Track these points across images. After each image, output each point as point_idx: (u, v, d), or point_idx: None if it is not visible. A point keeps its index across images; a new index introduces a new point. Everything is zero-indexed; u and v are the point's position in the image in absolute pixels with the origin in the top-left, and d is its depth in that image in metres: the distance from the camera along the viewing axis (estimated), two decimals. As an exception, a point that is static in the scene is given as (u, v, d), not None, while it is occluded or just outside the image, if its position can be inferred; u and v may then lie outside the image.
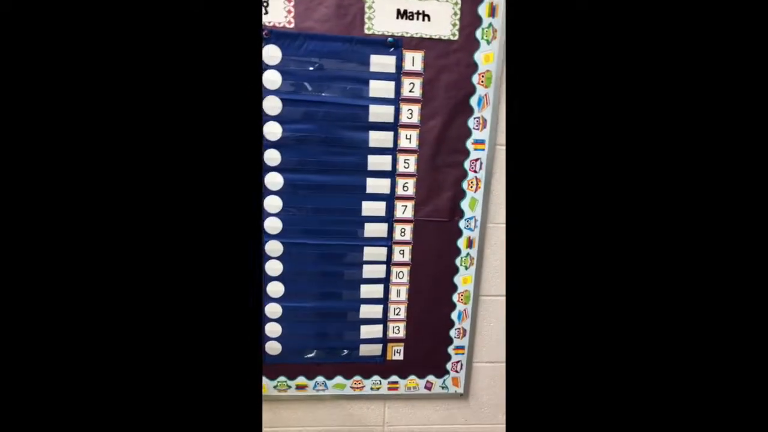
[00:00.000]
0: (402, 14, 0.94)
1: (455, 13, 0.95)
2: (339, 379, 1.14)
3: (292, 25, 0.92)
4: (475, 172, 1.04)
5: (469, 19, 0.96)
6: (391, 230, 1.05)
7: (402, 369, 1.15)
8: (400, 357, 1.14)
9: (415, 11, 0.94)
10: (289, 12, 0.92)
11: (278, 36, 0.92)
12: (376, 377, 1.15)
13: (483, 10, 0.96)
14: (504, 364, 1.19)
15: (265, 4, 0.91)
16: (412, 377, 1.16)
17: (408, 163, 1.02)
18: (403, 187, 1.03)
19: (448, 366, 1.16)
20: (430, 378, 1.17)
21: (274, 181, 1.00)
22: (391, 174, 1.02)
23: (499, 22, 0.97)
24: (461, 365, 1.16)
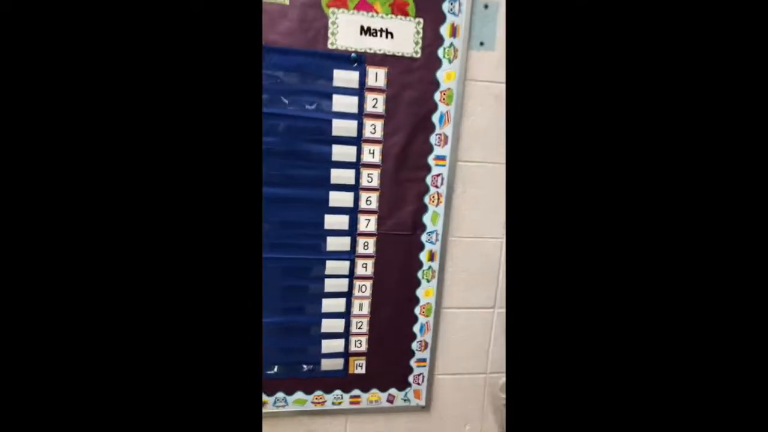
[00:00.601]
0: (365, 31, 0.95)
1: (418, 32, 0.98)
2: (300, 395, 1.12)
3: (255, 38, 0.91)
4: (436, 187, 1.06)
5: (431, 38, 0.98)
6: (354, 244, 1.05)
7: (364, 383, 1.14)
8: (362, 371, 1.13)
9: (378, 28, 0.96)
10: (251, 24, 0.91)
11: (240, 48, 0.91)
12: (337, 392, 1.14)
13: (445, 30, 0.99)
14: (466, 376, 1.20)
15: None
16: (374, 391, 1.16)
17: (371, 178, 1.03)
18: (366, 201, 1.04)
19: (410, 379, 1.17)
20: (392, 391, 1.17)
21: (234, 193, 0.98)
22: (355, 188, 1.02)
23: (460, 42, 1.00)
24: (423, 378, 1.17)
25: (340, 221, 1.03)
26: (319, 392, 1.13)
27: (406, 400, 1.18)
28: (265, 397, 1.10)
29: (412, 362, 1.16)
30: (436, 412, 1.21)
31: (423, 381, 1.17)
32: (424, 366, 1.16)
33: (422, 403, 1.19)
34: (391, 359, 1.14)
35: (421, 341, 1.15)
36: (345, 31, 0.95)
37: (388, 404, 1.17)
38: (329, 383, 1.13)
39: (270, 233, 1.01)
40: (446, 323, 1.16)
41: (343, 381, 1.13)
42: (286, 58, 0.93)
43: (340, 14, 0.94)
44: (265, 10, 0.91)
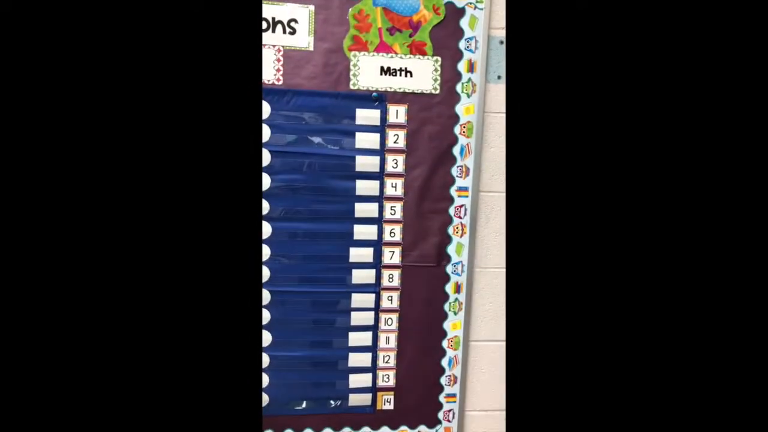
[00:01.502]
0: (385, 71, 1.00)
1: (436, 69, 1.01)
2: (328, 431, 1.11)
3: (281, 82, 0.97)
4: (459, 218, 1.07)
5: (450, 75, 1.02)
6: (379, 276, 1.06)
7: (392, 419, 1.12)
8: (390, 406, 1.11)
9: (398, 68, 1.00)
10: (278, 70, 0.97)
11: (267, 92, 0.97)
12: (366, 428, 1.12)
13: (462, 66, 1.02)
14: (498, 413, 1.16)
15: (255, 63, 0.96)
16: (404, 428, 1.13)
17: (394, 210, 1.04)
18: (390, 233, 1.05)
19: (440, 415, 1.13)
20: (422, 428, 1.13)
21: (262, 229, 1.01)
22: (378, 221, 1.04)
23: (478, 77, 1.02)
24: (453, 414, 1.14)
25: (364, 254, 1.05)
26: (347, 429, 1.11)
27: (436, 438, 1.14)
28: (293, 434, 1.10)
29: (442, 398, 1.13)
30: (469, 451, 1.17)
31: (454, 418, 1.14)
32: (454, 402, 1.13)
33: (453, 441, 1.15)
34: (419, 394, 1.12)
35: (449, 375, 1.12)
36: (366, 72, 0.99)
37: (417, 442, 1.14)
38: (357, 419, 1.11)
39: (297, 267, 1.03)
40: (475, 357, 1.13)
41: (371, 417, 1.11)
42: (310, 100, 0.98)
43: (361, 56, 0.99)
44: (290, 56, 0.97)
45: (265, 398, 1.07)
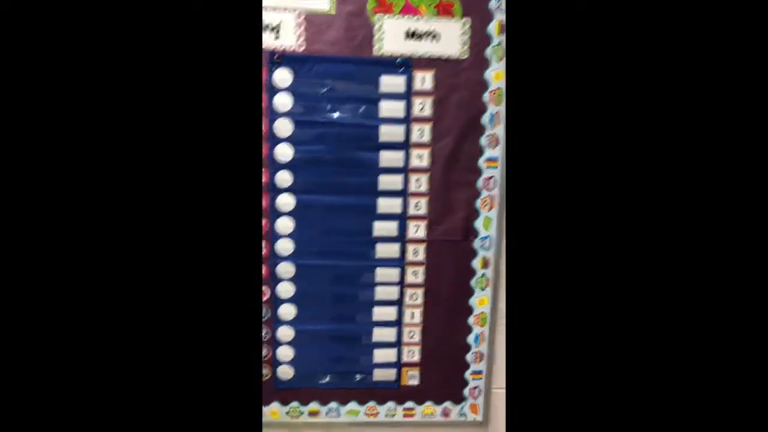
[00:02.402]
0: (411, 35, 0.95)
1: (464, 33, 0.95)
2: (353, 405, 1.10)
3: (303, 48, 0.94)
4: (488, 190, 1.02)
5: (479, 38, 0.96)
6: (403, 251, 1.03)
7: (417, 395, 1.11)
8: (415, 382, 1.10)
9: (424, 31, 0.95)
10: (299, 36, 0.93)
11: (289, 60, 0.94)
12: (390, 403, 1.11)
13: (493, 28, 0.96)
14: (525, 391, 1.14)
15: (276, 29, 0.93)
16: (429, 404, 1.12)
17: (420, 182, 1.01)
18: (415, 206, 1.02)
19: (466, 392, 1.12)
20: (447, 405, 1.12)
21: (285, 202, 0.99)
22: (403, 193, 1.01)
23: (510, 39, 0.96)
24: (479, 391, 1.12)
25: (388, 227, 1.02)
26: (372, 403, 1.11)
27: (462, 414, 1.13)
28: (318, 406, 1.10)
29: (468, 375, 1.11)
30: (494, 428, 1.15)
31: (479, 395, 1.12)
32: (480, 379, 1.11)
33: (480, 418, 1.13)
34: (445, 371, 1.10)
35: (476, 352, 1.10)
36: (390, 37, 0.94)
37: (443, 418, 1.12)
38: (382, 394, 1.10)
39: (319, 241, 1.02)
40: (502, 334, 1.10)
41: (396, 393, 1.11)
42: (332, 66, 0.95)
43: (386, 20, 0.94)
44: (311, 21, 0.92)
45: (290, 371, 1.08)
